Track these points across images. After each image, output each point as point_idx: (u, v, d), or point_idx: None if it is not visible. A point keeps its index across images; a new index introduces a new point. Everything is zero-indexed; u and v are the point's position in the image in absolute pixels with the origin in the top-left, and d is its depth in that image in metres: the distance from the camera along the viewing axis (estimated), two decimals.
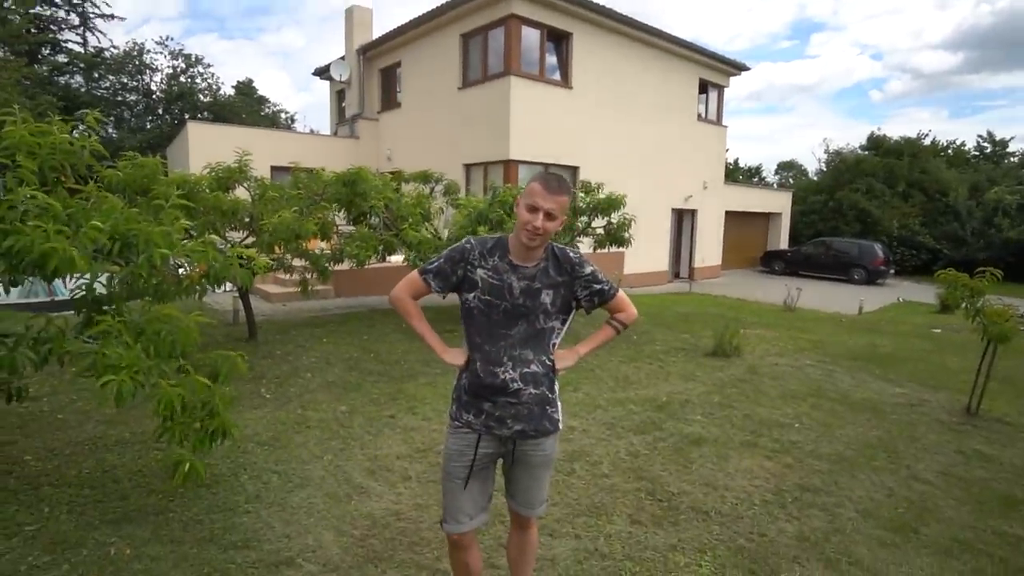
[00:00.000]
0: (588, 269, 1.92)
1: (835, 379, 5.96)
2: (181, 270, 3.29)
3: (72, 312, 2.99)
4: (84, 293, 2.77)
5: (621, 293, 1.98)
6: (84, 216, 2.73)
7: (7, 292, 2.67)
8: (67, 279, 2.92)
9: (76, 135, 3.17)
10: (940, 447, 4.19)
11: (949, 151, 25.99)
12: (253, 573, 2.41)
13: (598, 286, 1.93)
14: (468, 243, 1.94)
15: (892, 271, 18.35)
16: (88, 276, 2.68)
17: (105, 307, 2.91)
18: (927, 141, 24.80)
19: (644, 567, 2.57)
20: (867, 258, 17.49)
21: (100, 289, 2.91)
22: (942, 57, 70.06)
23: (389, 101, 15.26)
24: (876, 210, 21.19)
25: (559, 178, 1.84)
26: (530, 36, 11.53)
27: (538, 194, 1.78)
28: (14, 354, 2.35)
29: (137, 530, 2.67)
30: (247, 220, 5.75)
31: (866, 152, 24.72)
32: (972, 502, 3.34)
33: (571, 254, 1.93)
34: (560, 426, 1.95)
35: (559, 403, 1.95)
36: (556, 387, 1.95)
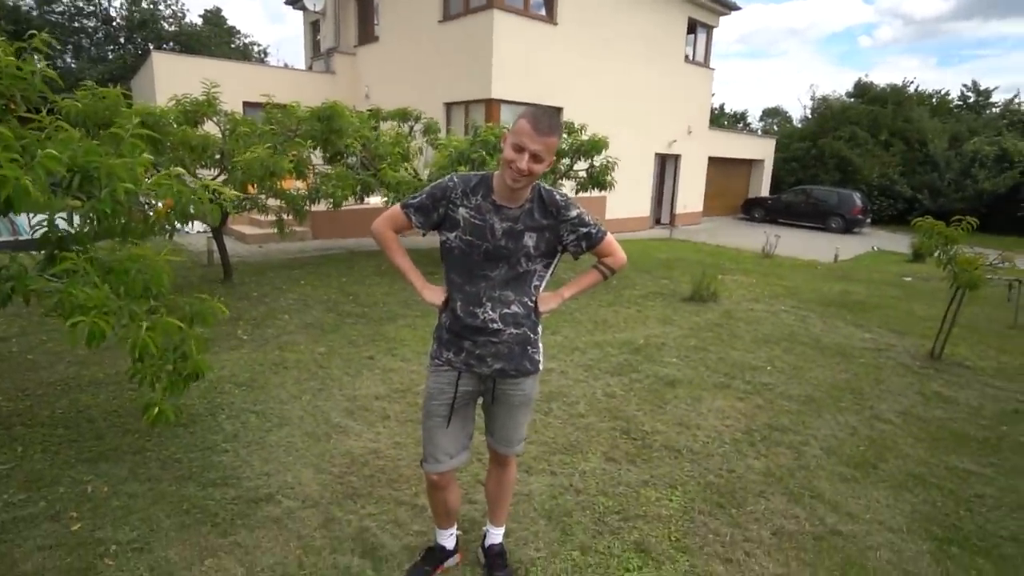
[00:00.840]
0: (574, 212, 1.85)
1: (808, 324, 6.11)
2: (148, 207, 3.16)
3: (29, 252, 2.87)
4: (46, 230, 2.63)
5: (609, 236, 1.91)
6: (38, 147, 2.57)
7: None
8: (29, 217, 2.79)
9: (24, 59, 2.95)
10: (903, 389, 4.36)
11: (933, 100, 25.85)
12: (233, 509, 2.44)
13: (584, 229, 1.85)
14: (451, 180, 1.86)
15: (869, 220, 18.60)
16: (48, 212, 2.55)
17: (69, 247, 2.79)
18: (912, 89, 24.62)
19: (617, 501, 2.67)
20: (845, 207, 17.67)
21: (63, 226, 2.78)
22: (935, 2, 68.69)
23: (366, 34, 14.52)
24: (857, 159, 21.22)
25: (550, 116, 1.72)
26: None
27: (526, 133, 1.67)
28: None
29: (113, 469, 2.67)
30: (218, 157, 5.51)
31: (852, 99, 24.49)
32: (928, 440, 3.51)
33: (557, 196, 1.85)
34: (540, 367, 1.95)
35: (540, 345, 1.94)
36: (539, 329, 1.93)
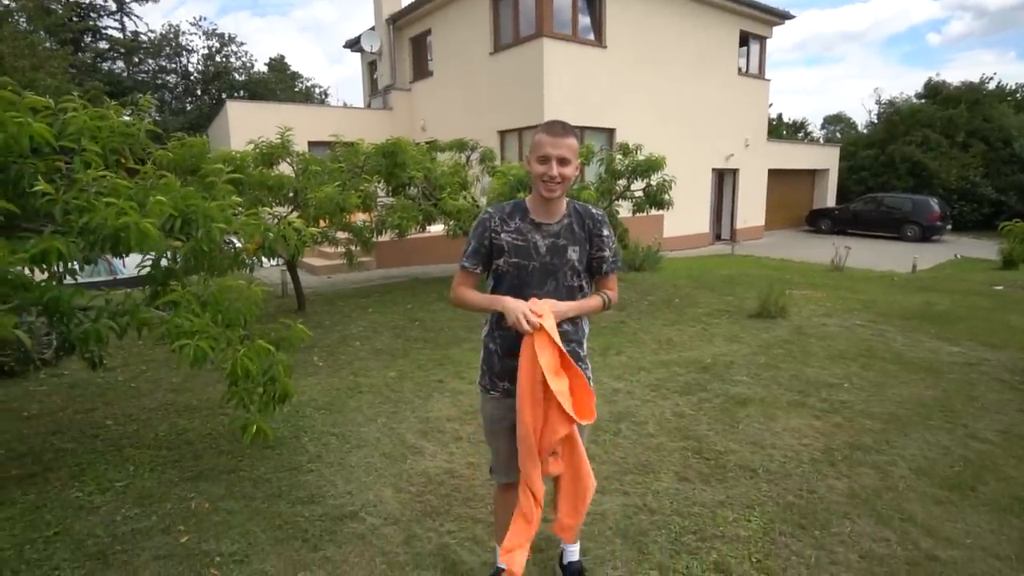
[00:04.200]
0: (607, 231, 1.94)
1: (887, 339, 5.80)
2: (235, 244, 3.44)
3: (135, 289, 3.18)
4: (151, 269, 2.92)
5: (616, 273, 2.01)
6: (145, 194, 2.87)
7: (81, 270, 2.85)
8: (124, 257, 3.09)
9: (129, 118, 3.32)
10: (1001, 406, 4.06)
11: (1018, 95, 24.13)
12: (320, 525, 2.58)
13: (610, 253, 1.94)
14: (485, 213, 1.94)
15: (949, 227, 17.43)
16: (154, 252, 2.83)
17: (169, 282, 3.09)
18: (991, 85, 23.10)
19: (692, 522, 2.63)
20: (921, 213, 16.67)
21: (164, 264, 3.07)
22: None
23: (421, 70, 15.17)
24: (932, 163, 20.03)
25: (562, 122, 1.84)
26: None
27: (546, 143, 1.78)
28: (98, 325, 2.52)
29: (212, 487, 2.88)
30: (291, 195, 5.90)
31: (923, 101, 23.24)
32: None
33: (593, 210, 1.95)
34: (592, 384, 1.99)
35: (588, 361, 2.00)
36: (585, 345, 1.99)
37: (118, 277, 8.10)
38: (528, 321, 1.73)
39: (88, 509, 2.66)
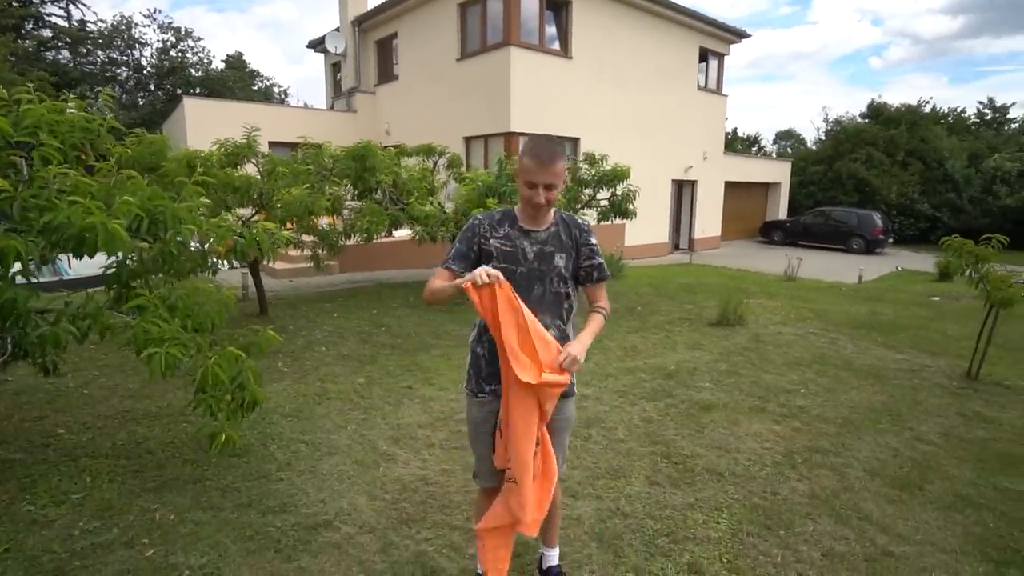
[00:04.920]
0: (593, 240, 2.00)
1: (838, 346, 6.09)
2: (202, 246, 3.33)
3: (97, 290, 3.04)
4: (116, 270, 2.81)
5: (605, 283, 2.05)
6: (110, 193, 2.76)
7: (39, 271, 2.71)
8: (78, 259, 2.96)
9: (88, 112, 3.19)
10: (942, 410, 4.32)
11: (950, 118, 25.82)
12: (294, 535, 2.52)
13: (598, 261, 2.00)
14: (476, 219, 1.99)
15: (890, 240, 18.44)
16: (120, 253, 2.72)
17: (132, 283, 2.97)
18: (927, 108, 24.63)
19: (665, 524, 2.70)
20: (866, 227, 17.57)
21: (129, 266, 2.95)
22: (942, 21, 69.08)
23: (386, 74, 15.04)
24: (875, 179, 21.17)
25: (550, 148, 1.83)
26: (529, 5, 11.34)
27: (533, 171, 1.82)
28: (56, 329, 2.41)
29: (177, 497, 2.78)
30: (256, 196, 5.75)
31: (866, 120, 24.55)
32: (974, 461, 3.48)
33: (579, 220, 2.03)
34: (575, 390, 2.06)
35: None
36: None
37: (64, 278, 7.70)
38: (488, 274, 1.71)
39: (42, 523, 2.52)
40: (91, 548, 2.36)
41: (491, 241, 1.92)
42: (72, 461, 3.08)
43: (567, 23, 11.96)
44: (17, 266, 2.41)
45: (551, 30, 11.99)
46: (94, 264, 2.97)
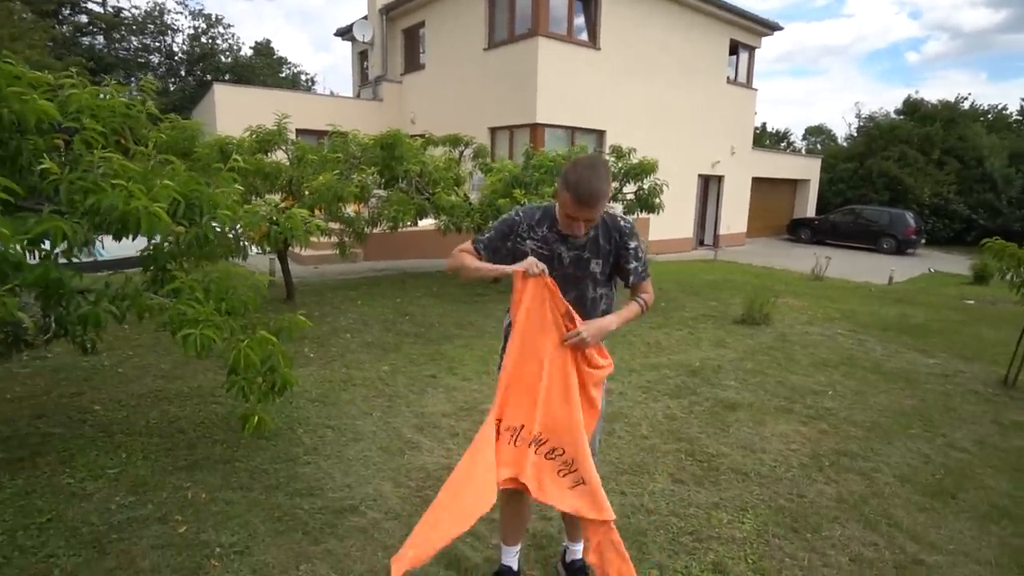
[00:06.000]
0: (633, 244, 1.96)
1: (866, 348, 5.96)
2: (236, 231, 3.38)
3: (135, 271, 3.11)
4: (152, 252, 2.86)
5: (649, 279, 2.04)
6: (150, 177, 2.81)
7: (81, 252, 2.78)
8: (117, 240, 3.01)
9: (130, 98, 3.25)
10: (976, 417, 4.21)
11: (989, 116, 24.94)
12: (321, 518, 2.56)
13: (638, 264, 1.98)
14: (517, 215, 1.98)
15: (923, 241, 17.95)
16: (159, 236, 2.77)
17: (168, 266, 3.03)
18: (966, 105, 23.82)
19: (689, 523, 2.68)
20: (898, 227, 17.13)
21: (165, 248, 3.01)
22: (984, 14, 66.53)
23: (413, 63, 15.05)
24: (908, 178, 20.60)
25: (594, 190, 1.74)
26: None
27: (572, 208, 1.79)
28: (97, 309, 2.47)
29: (208, 477, 2.85)
30: (285, 183, 5.82)
31: (901, 117, 23.86)
32: (1010, 471, 3.38)
33: (621, 222, 1.97)
34: (606, 384, 2.05)
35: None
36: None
37: (99, 259, 7.91)
38: (537, 266, 1.82)
39: (80, 496, 2.61)
40: (127, 522, 2.43)
41: (527, 242, 1.94)
42: (108, 437, 3.17)
43: (596, 14, 11.82)
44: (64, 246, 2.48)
45: (579, 21, 11.86)
46: (128, 246, 3.03)
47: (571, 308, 1.87)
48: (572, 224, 1.84)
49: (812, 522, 2.74)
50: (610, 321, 1.92)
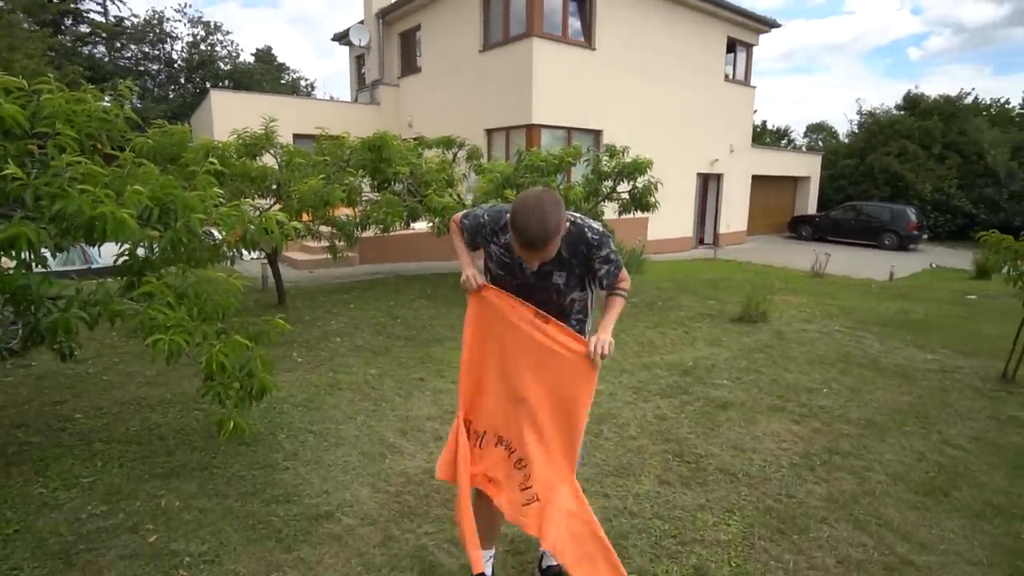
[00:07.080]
0: (604, 251, 1.90)
1: (864, 345, 5.88)
2: (215, 235, 3.35)
3: (110, 279, 3.08)
4: (128, 259, 2.83)
5: (622, 269, 2.01)
6: (122, 182, 2.78)
7: (53, 258, 2.75)
8: (100, 247, 3.00)
9: (108, 103, 3.22)
10: (974, 413, 4.13)
11: (992, 110, 24.74)
12: (295, 525, 2.52)
13: (611, 267, 1.94)
14: (483, 217, 1.97)
15: (925, 236, 17.79)
16: (131, 242, 2.74)
17: (146, 273, 2.99)
18: (968, 100, 23.62)
19: (673, 525, 2.62)
20: (899, 223, 16.98)
21: (141, 254, 2.98)
22: (986, 9, 66.11)
23: (409, 66, 15.04)
24: (909, 173, 20.43)
25: (535, 234, 1.65)
26: None
27: (521, 252, 1.75)
28: (67, 315, 2.43)
29: (184, 484, 2.80)
30: (274, 187, 5.79)
31: (901, 112, 23.69)
32: (1007, 467, 3.31)
33: (588, 234, 1.86)
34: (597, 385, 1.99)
35: None
36: None
37: (93, 266, 7.90)
38: (475, 282, 1.94)
39: (52, 506, 2.57)
40: (96, 532, 2.39)
41: (491, 246, 1.95)
42: (86, 445, 3.13)
43: (591, 14, 11.76)
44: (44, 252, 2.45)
45: (574, 20, 11.81)
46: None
47: (538, 310, 1.88)
48: (528, 262, 1.83)
49: (800, 523, 2.67)
50: (607, 324, 1.91)
